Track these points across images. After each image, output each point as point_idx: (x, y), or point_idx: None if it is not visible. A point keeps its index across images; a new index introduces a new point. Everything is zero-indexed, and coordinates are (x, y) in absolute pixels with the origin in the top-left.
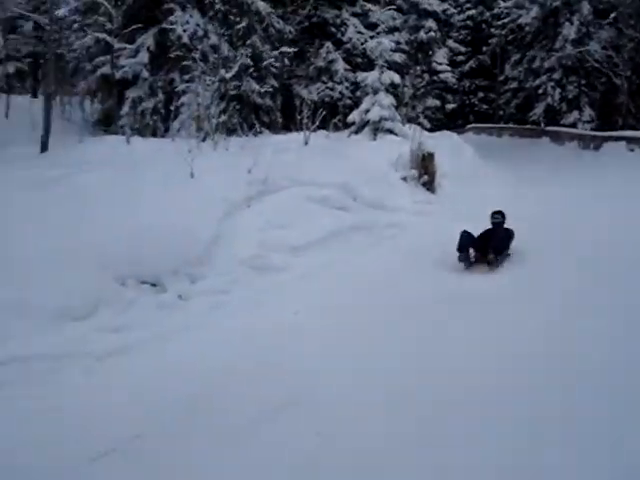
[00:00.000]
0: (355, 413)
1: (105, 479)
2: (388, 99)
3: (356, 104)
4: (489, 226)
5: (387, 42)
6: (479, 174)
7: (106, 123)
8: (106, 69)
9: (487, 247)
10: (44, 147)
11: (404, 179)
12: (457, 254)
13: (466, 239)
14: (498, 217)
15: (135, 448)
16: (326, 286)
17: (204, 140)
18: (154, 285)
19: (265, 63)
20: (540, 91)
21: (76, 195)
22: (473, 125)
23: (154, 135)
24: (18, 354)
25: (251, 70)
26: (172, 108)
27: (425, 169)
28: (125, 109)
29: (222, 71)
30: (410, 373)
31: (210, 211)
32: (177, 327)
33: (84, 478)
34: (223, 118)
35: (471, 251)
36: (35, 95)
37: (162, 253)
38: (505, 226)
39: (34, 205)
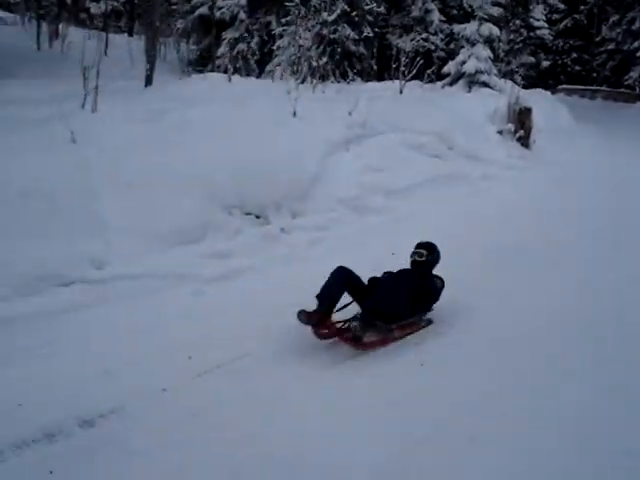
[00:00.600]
0: None
1: (209, 393)
2: (485, 52)
3: (449, 56)
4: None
5: None
6: (572, 134)
7: (201, 63)
8: (204, 10)
9: (363, 305)
10: (149, 81)
11: (500, 132)
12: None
13: (337, 280)
14: (422, 254)
15: (237, 368)
16: (422, 231)
17: (302, 83)
18: (258, 217)
19: (367, 8)
20: (638, 54)
21: (183, 128)
22: (565, 86)
23: (249, 76)
24: (130, 272)
25: (351, 16)
26: (269, 50)
27: (521, 124)
28: (222, 50)
29: (324, 14)
30: None
31: (312, 150)
32: (280, 258)
33: (190, 394)
34: (322, 62)
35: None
36: (131, 34)
37: (266, 187)
38: (435, 272)
39: (145, 136)
